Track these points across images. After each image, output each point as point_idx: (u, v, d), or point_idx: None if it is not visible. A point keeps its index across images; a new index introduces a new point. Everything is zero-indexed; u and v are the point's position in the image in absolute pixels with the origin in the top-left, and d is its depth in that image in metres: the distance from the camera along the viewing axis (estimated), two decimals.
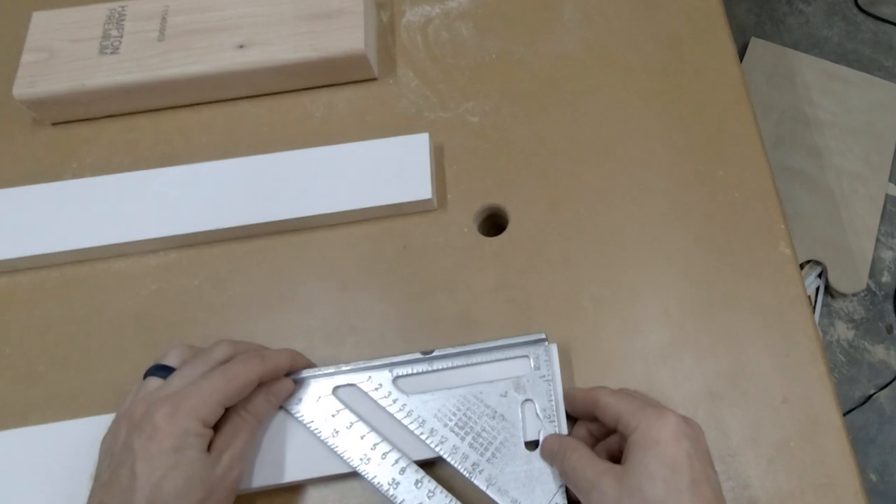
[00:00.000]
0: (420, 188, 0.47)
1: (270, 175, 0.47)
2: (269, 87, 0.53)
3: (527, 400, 0.39)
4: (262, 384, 0.38)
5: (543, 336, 0.40)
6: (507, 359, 0.40)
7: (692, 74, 0.53)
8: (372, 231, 0.47)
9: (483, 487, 0.37)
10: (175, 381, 0.36)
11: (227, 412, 0.36)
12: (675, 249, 0.46)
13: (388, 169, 0.47)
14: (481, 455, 0.37)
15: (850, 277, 1.25)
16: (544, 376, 0.39)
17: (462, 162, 0.50)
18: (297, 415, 0.39)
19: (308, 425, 0.39)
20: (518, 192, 0.49)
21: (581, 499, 0.34)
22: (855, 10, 1.55)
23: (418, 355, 0.40)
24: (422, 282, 0.46)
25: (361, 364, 0.40)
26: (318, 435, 0.38)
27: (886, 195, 1.32)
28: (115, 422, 0.36)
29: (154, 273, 0.47)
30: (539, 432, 0.38)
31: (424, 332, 0.44)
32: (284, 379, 0.39)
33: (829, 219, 1.28)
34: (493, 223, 0.49)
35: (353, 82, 0.53)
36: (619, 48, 0.54)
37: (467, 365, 0.40)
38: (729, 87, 0.52)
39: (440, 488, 0.37)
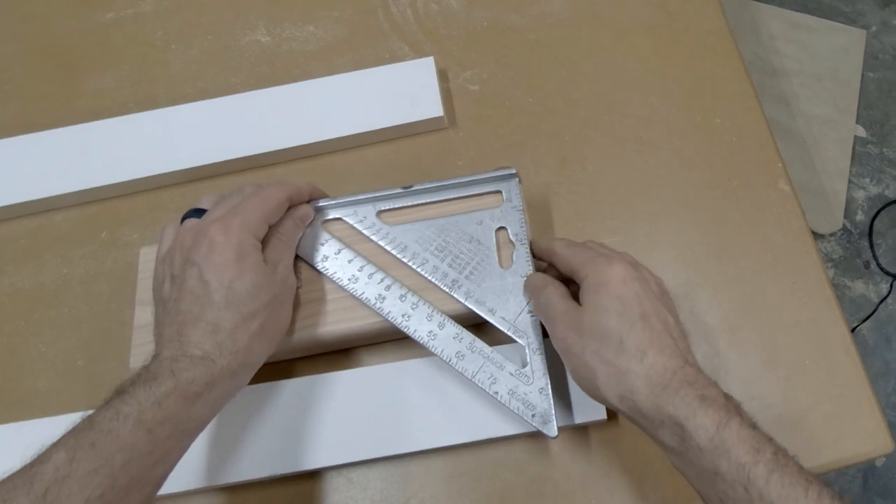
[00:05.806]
0: (430, 107, 0.50)
1: (286, 105, 0.51)
2: None
3: (500, 227, 0.42)
4: (289, 209, 0.41)
5: (514, 171, 0.43)
6: (481, 193, 0.43)
7: (681, 30, 0.55)
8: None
9: (462, 300, 0.40)
10: (215, 210, 0.37)
11: (266, 237, 0.38)
12: (683, 197, 0.48)
13: (397, 91, 0.51)
14: (459, 273, 0.41)
15: (827, 219, 1.30)
16: (515, 206, 0.43)
17: (467, 130, 0.52)
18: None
19: (300, 253, 0.42)
20: (525, 154, 0.50)
21: (550, 330, 0.37)
22: None
23: (399, 190, 0.43)
24: None
25: (347, 199, 0.43)
26: (311, 262, 0.42)
27: (854, 137, 1.37)
28: (165, 254, 0.38)
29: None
30: (512, 254, 0.41)
31: None
32: (305, 205, 0.42)
33: (803, 164, 1.33)
34: None
35: None
36: (608, 9, 0.56)
37: (444, 200, 0.43)
38: (717, 37, 0.54)
39: (423, 300, 0.40)
